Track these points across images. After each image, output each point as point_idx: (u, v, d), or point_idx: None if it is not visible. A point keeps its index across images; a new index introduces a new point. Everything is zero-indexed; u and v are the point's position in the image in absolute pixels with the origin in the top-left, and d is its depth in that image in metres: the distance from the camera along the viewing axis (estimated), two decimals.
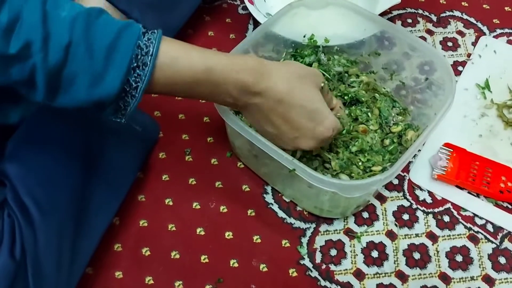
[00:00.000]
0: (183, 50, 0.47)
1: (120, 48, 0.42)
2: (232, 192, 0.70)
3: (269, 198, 0.70)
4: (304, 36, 0.75)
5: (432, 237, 0.66)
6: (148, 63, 0.44)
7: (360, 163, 0.66)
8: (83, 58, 0.41)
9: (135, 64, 0.43)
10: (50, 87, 0.42)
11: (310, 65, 0.75)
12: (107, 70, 0.42)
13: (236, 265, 0.64)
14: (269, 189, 0.70)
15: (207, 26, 0.90)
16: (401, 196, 0.70)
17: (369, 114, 0.70)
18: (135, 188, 0.69)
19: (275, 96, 0.52)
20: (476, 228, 0.67)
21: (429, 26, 0.89)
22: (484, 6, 0.93)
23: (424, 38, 0.87)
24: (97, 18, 0.42)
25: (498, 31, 0.88)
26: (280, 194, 0.70)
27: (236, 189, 0.70)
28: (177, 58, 0.46)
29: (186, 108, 0.78)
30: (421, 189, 0.70)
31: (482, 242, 0.66)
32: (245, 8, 0.90)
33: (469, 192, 0.69)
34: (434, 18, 0.90)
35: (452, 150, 0.70)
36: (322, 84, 0.57)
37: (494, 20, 0.90)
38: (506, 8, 0.93)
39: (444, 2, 0.93)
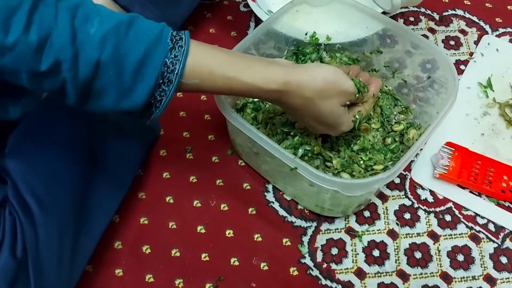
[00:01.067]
0: (208, 70, 0.47)
1: (148, 66, 0.44)
2: (233, 190, 0.70)
3: (270, 196, 0.69)
4: (306, 34, 0.74)
5: (434, 236, 0.66)
6: (174, 80, 0.45)
7: (361, 162, 0.66)
8: (112, 74, 0.43)
9: (161, 81, 0.45)
10: (80, 97, 0.44)
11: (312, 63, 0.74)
12: (135, 86, 0.44)
13: (236, 263, 0.64)
14: (270, 187, 0.70)
15: (209, 23, 0.89)
16: (402, 195, 0.69)
17: (371, 112, 0.70)
18: (136, 186, 0.69)
19: (293, 107, 0.54)
20: (477, 228, 0.66)
21: (432, 24, 0.89)
22: (487, 4, 0.92)
23: (427, 37, 0.87)
24: (127, 33, 0.43)
25: (501, 30, 0.88)
26: (281, 192, 0.70)
27: (237, 187, 0.70)
28: (201, 80, 0.47)
29: (187, 105, 0.78)
30: (422, 188, 0.70)
31: (484, 242, 0.65)
32: (246, 5, 0.90)
33: (470, 191, 0.69)
34: (436, 16, 0.90)
35: (454, 149, 0.70)
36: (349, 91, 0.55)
37: (496, 19, 0.90)
38: (508, 7, 0.92)
39: (447, 1, 0.93)
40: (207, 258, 0.64)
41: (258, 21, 0.86)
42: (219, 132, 0.75)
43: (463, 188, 0.69)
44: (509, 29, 0.88)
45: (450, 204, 0.68)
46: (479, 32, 0.87)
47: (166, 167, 0.71)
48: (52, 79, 0.42)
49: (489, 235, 0.66)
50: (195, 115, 0.77)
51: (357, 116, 0.59)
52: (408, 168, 0.71)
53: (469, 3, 0.92)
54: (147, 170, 0.71)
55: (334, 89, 0.53)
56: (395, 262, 0.64)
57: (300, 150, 0.64)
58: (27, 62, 0.40)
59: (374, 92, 0.61)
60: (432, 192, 0.69)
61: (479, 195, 0.68)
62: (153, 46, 0.44)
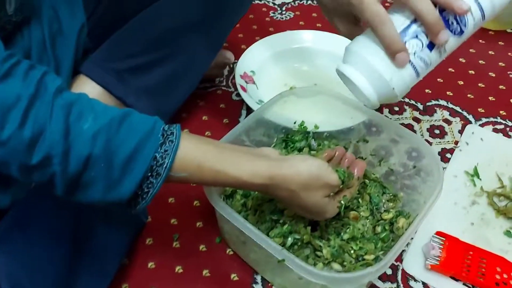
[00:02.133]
0: (196, 163, 0.48)
1: (138, 161, 0.45)
2: (220, 282, 0.67)
3: None
4: (295, 123, 0.76)
5: None
6: (162, 173, 0.46)
7: (352, 251, 0.64)
8: (101, 168, 0.44)
9: (149, 174, 0.46)
10: (68, 188, 0.44)
11: (301, 150, 0.76)
12: (123, 179, 0.45)
13: None
14: (258, 278, 0.68)
15: (201, 110, 0.92)
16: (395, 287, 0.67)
17: (359, 200, 0.70)
18: (119, 276, 0.66)
19: (279, 198, 0.56)
20: None
21: (416, 114, 0.92)
22: (469, 95, 0.97)
23: (412, 126, 0.89)
24: (119, 129, 0.44)
25: (484, 119, 0.91)
26: (270, 284, 0.67)
27: (224, 278, 0.67)
28: (190, 174, 0.48)
29: (176, 191, 0.78)
30: (415, 280, 0.67)
31: None
32: (238, 94, 0.94)
33: (464, 284, 0.67)
34: (420, 106, 0.94)
35: (444, 239, 0.69)
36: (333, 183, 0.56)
37: (479, 109, 0.93)
38: (490, 98, 0.96)
39: (430, 91, 0.97)
40: None
41: (249, 109, 0.89)
42: (208, 218, 0.74)
43: (456, 280, 0.67)
44: (491, 119, 0.91)
45: None
46: (462, 122, 0.90)
47: (152, 256, 0.69)
48: (42, 171, 0.42)
49: None
50: (184, 201, 0.77)
51: (342, 202, 0.60)
52: (400, 258, 0.70)
53: (451, 94, 0.97)
54: (132, 259, 0.69)
55: (318, 183, 0.54)
56: None
57: (289, 238, 0.63)
58: (18, 155, 0.41)
59: (359, 175, 0.63)
60: (425, 285, 0.67)
61: None
62: (144, 141, 0.45)
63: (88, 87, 0.68)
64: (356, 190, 0.64)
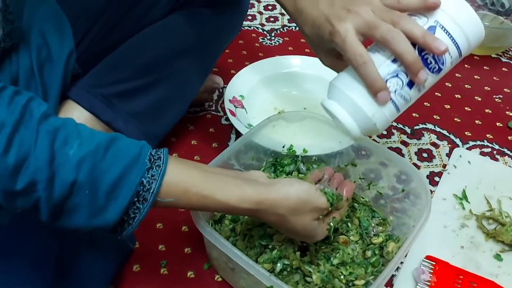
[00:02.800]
0: (183, 188, 0.48)
1: (123, 186, 0.44)
2: None
3: None
4: (284, 147, 0.77)
5: None
6: (149, 198, 0.46)
7: (342, 277, 0.64)
8: (86, 194, 0.43)
9: (136, 199, 0.45)
10: (53, 214, 0.43)
11: (290, 174, 0.76)
12: (108, 205, 0.44)
13: None
14: None
15: (191, 135, 0.92)
16: None
17: (348, 224, 0.70)
18: None
19: (267, 222, 0.56)
20: None
21: (404, 137, 0.93)
22: (455, 119, 0.98)
23: (400, 149, 0.90)
24: (104, 155, 0.44)
25: (471, 143, 0.92)
26: None
27: None
28: (177, 199, 0.48)
29: (164, 216, 0.77)
30: None
31: None
32: (227, 119, 0.94)
33: None
34: (408, 130, 0.95)
35: (434, 263, 0.69)
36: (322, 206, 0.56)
37: (466, 133, 0.94)
38: (476, 121, 0.98)
39: (417, 116, 0.98)
40: None
41: (238, 134, 0.89)
42: (196, 244, 0.73)
43: None
44: (478, 142, 0.92)
45: None
46: (450, 145, 0.91)
47: (139, 283, 0.68)
48: (26, 197, 0.42)
49: None
50: (172, 227, 0.76)
51: (331, 224, 0.60)
52: (390, 283, 0.69)
53: (438, 117, 0.98)
54: (118, 286, 0.67)
55: (306, 207, 0.54)
56: None
57: (278, 264, 0.62)
58: (2, 181, 0.41)
59: (348, 196, 0.62)
60: None
61: None
62: (130, 166, 0.45)
63: (76, 112, 0.68)
64: (346, 211, 0.64)
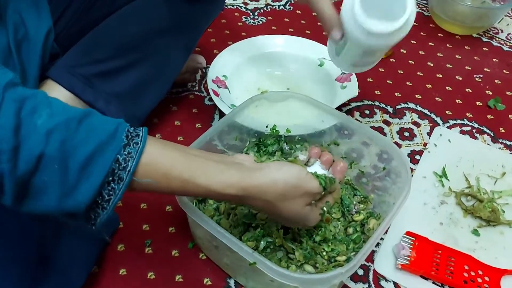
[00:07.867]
0: (163, 169, 0.45)
1: (97, 163, 0.41)
2: (193, 287, 0.67)
3: None
4: (267, 127, 0.77)
5: None
6: (125, 178, 0.43)
7: (324, 253, 0.65)
8: (55, 170, 0.39)
9: (111, 178, 0.42)
10: (18, 193, 0.40)
11: (273, 154, 0.76)
12: (80, 183, 0.41)
13: None
14: (231, 282, 0.68)
15: (174, 115, 0.92)
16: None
17: None
18: (89, 284, 0.65)
19: (255, 208, 0.54)
20: None
21: (386, 117, 0.94)
22: (437, 98, 0.99)
23: (382, 129, 0.91)
24: (77, 129, 0.40)
25: (451, 121, 0.94)
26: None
27: (197, 283, 0.67)
28: (156, 181, 0.45)
29: (147, 197, 0.77)
30: (386, 280, 0.68)
31: None
32: (211, 99, 0.94)
33: (434, 282, 0.68)
34: (390, 109, 0.95)
35: (414, 239, 0.70)
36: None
37: (446, 112, 0.96)
38: (457, 101, 0.99)
39: (399, 95, 0.99)
40: None
41: (222, 114, 0.89)
42: (181, 224, 0.74)
43: (426, 279, 0.68)
44: (458, 121, 0.94)
45: None
46: (431, 124, 0.93)
47: (123, 263, 0.68)
48: None
49: None
50: (156, 207, 0.76)
51: (325, 209, 0.59)
52: (371, 259, 0.71)
53: (420, 97, 0.99)
54: (102, 266, 0.68)
55: (297, 192, 0.52)
56: None
57: (262, 242, 0.63)
58: None
59: (340, 178, 0.60)
60: (395, 284, 0.68)
61: (442, 286, 0.68)
62: (105, 142, 0.42)
63: (56, 92, 0.67)
64: (339, 193, 0.61)
